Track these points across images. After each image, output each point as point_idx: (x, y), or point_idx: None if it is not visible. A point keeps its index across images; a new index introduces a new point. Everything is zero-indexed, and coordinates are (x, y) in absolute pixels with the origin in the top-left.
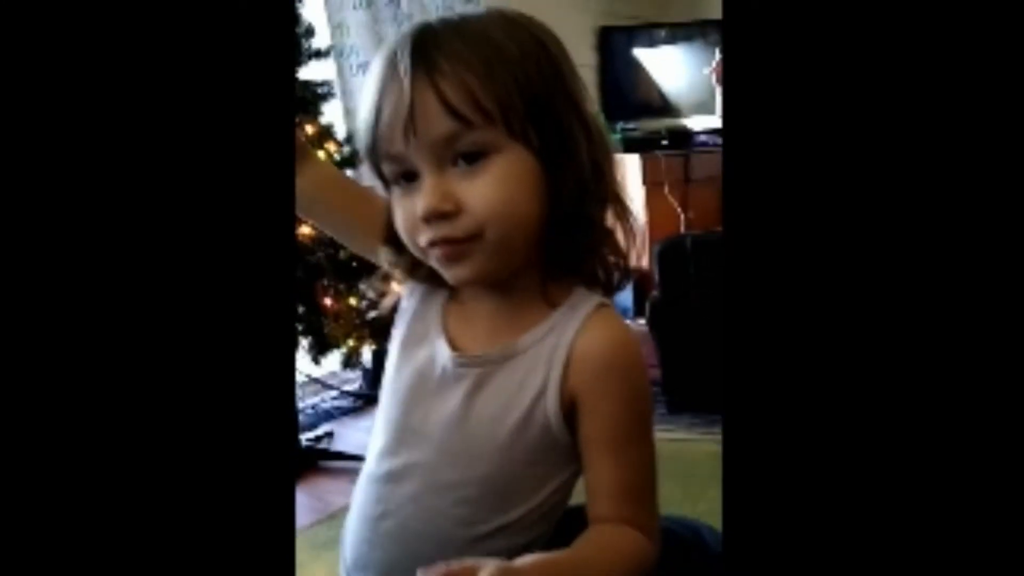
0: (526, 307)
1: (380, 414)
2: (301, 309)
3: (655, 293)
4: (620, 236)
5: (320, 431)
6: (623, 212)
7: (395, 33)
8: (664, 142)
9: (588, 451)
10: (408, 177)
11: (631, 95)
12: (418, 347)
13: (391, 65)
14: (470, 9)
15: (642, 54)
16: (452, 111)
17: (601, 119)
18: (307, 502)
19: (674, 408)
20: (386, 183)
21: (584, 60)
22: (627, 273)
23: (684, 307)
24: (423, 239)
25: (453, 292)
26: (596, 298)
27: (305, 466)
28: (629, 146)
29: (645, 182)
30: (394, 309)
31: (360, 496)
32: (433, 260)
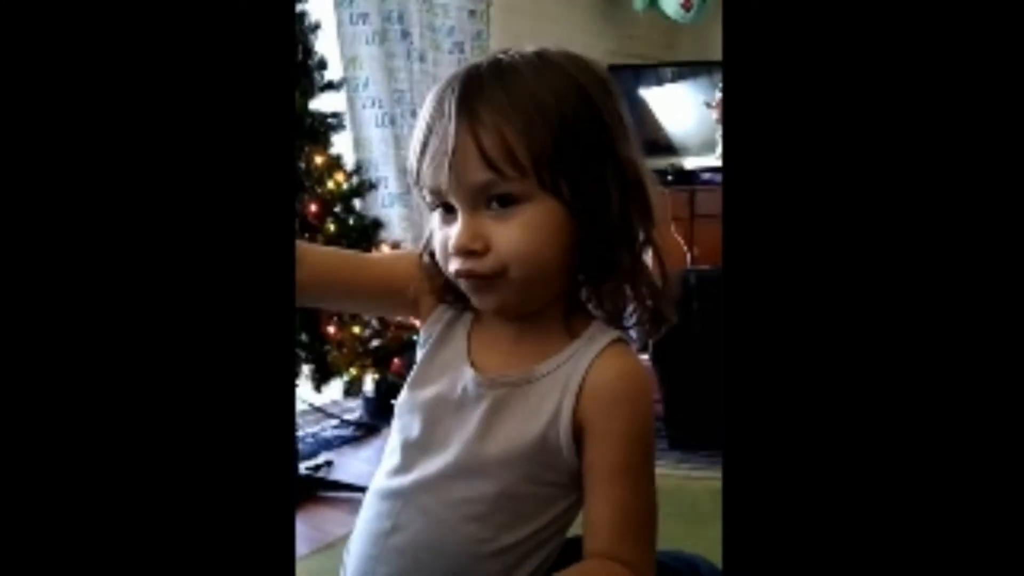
0: (548, 335)
1: (395, 434)
2: (304, 337)
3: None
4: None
5: (320, 460)
6: (661, 262)
7: (406, 67)
8: (669, 178)
9: (588, 480)
10: (447, 208)
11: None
12: (442, 370)
13: (439, 106)
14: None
15: (648, 93)
16: (488, 162)
17: (642, 162)
18: (305, 532)
19: (676, 443)
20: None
21: None
22: (659, 316)
23: (688, 342)
24: (452, 268)
25: (478, 316)
26: (614, 332)
27: (304, 495)
28: None
29: None
30: (397, 339)
31: (367, 513)
32: (462, 286)
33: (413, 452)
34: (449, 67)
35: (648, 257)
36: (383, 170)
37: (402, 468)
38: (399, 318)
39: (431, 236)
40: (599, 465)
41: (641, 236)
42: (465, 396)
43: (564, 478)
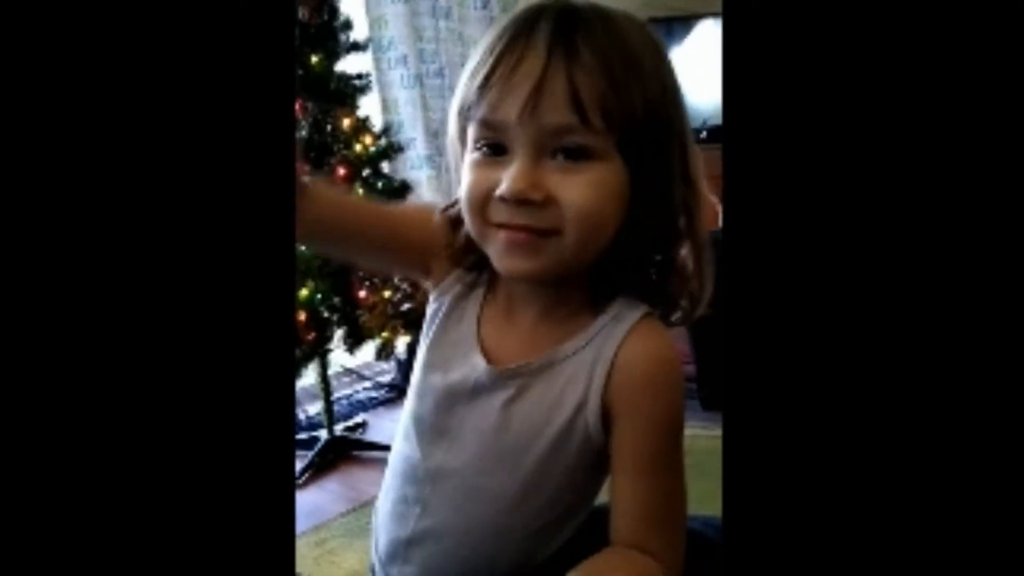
0: (570, 311)
1: (409, 411)
2: (336, 301)
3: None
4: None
5: (354, 421)
6: (699, 251)
7: (432, 26)
8: (703, 135)
9: (616, 465)
10: (495, 149)
11: None
12: (452, 351)
13: (525, 31)
14: None
15: (682, 46)
16: (578, 105)
17: (692, 137)
18: (341, 491)
19: (708, 405)
20: (464, 143)
21: None
22: (693, 308)
23: (719, 301)
24: (496, 216)
25: (491, 289)
26: (642, 307)
27: (340, 456)
28: None
29: None
30: (426, 302)
31: (393, 493)
32: (494, 244)
33: (429, 439)
34: (476, 24)
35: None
36: (411, 132)
37: (422, 455)
38: (410, 276)
39: (460, 186)
40: (628, 451)
41: (682, 221)
42: (479, 386)
43: (591, 459)
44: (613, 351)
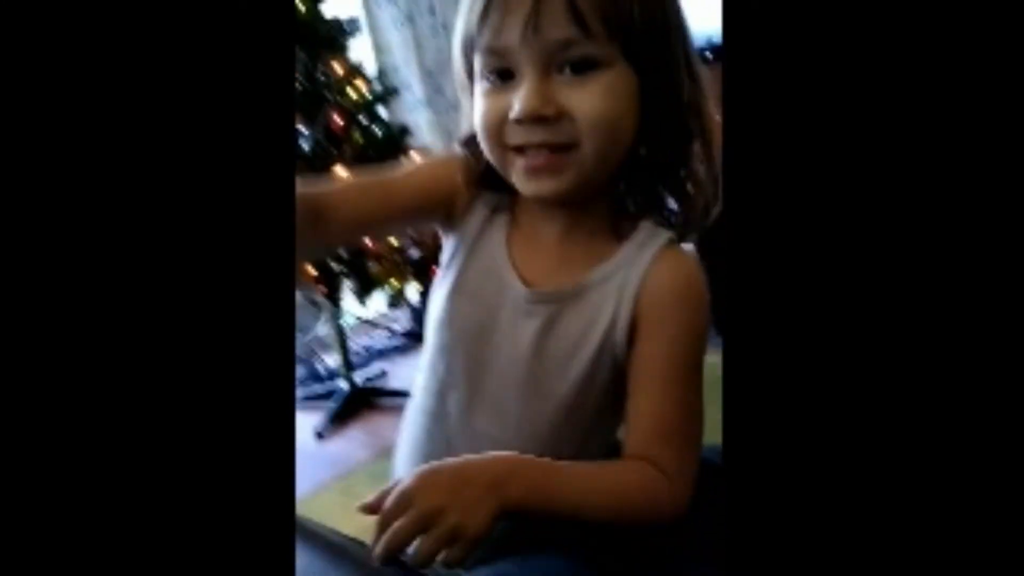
0: (594, 239)
1: (437, 345)
2: (343, 252)
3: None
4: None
5: (373, 370)
6: (710, 156)
7: None
8: (708, 54)
9: (633, 378)
10: (503, 75)
11: None
12: (483, 279)
13: None
14: None
15: None
16: (577, 16)
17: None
18: (364, 438)
19: (722, 328)
20: (471, 76)
21: None
22: (707, 214)
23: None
24: (513, 139)
25: (515, 217)
26: (666, 233)
27: (361, 405)
28: None
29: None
30: (435, 247)
31: (416, 431)
32: (515, 169)
33: (460, 371)
34: None
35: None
36: (405, 74)
37: (451, 387)
38: (434, 226)
39: (472, 118)
40: (647, 365)
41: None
42: (516, 312)
43: (621, 385)
44: (641, 274)
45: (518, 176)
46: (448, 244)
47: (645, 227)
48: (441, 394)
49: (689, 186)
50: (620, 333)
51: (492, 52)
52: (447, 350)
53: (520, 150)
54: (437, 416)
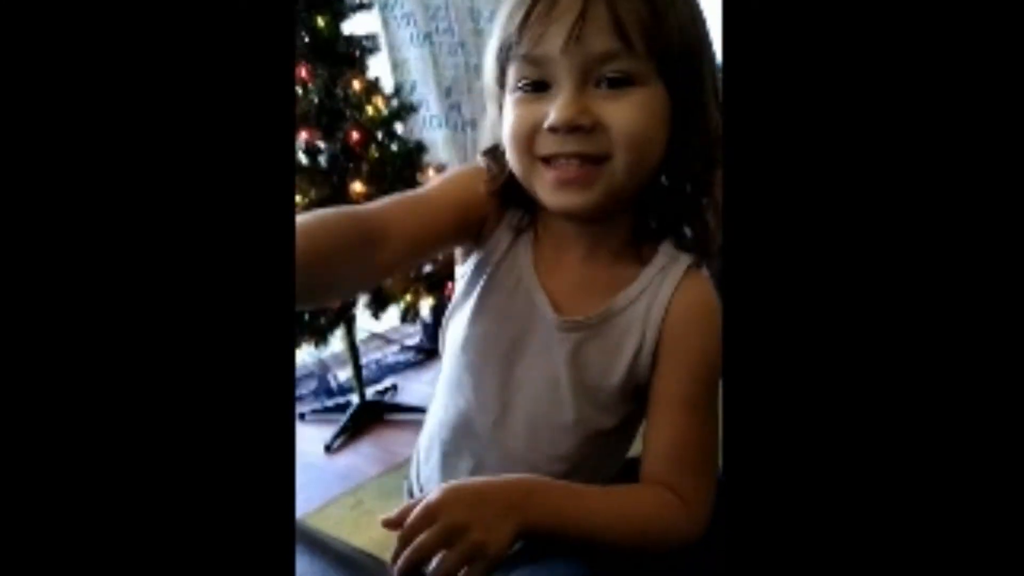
0: (616, 262)
1: (461, 364)
2: None
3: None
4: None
5: (384, 385)
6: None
7: None
8: None
9: (653, 405)
10: (539, 86)
11: None
12: (511, 300)
13: None
14: None
15: None
16: (621, 30)
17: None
18: (375, 453)
19: None
20: (503, 85)
21: None
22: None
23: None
24: (545, 149)
25: (538, 242)
26: (687, 257)
27: (371, 419)
28: None
29: None
30: (448, 262)
31: (444, 445)
32: (543, 181)
33: (490, 391)
34: None
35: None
36: (422, 91)
37: (480, 406)
38: (466, 245)
39: (501, 129)
40: (666, 391)
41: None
42: (546, 336)
43: (645, 403)
44: (665, 301)
45: (545, 189)
46: (470, 262)
47: (665, 251)
48: (468, 413)
49: (709, 215)
50: (645, 359)
51: (531, 61)
52: (475, 370)
53: (548, 162)
54: (465, 434)
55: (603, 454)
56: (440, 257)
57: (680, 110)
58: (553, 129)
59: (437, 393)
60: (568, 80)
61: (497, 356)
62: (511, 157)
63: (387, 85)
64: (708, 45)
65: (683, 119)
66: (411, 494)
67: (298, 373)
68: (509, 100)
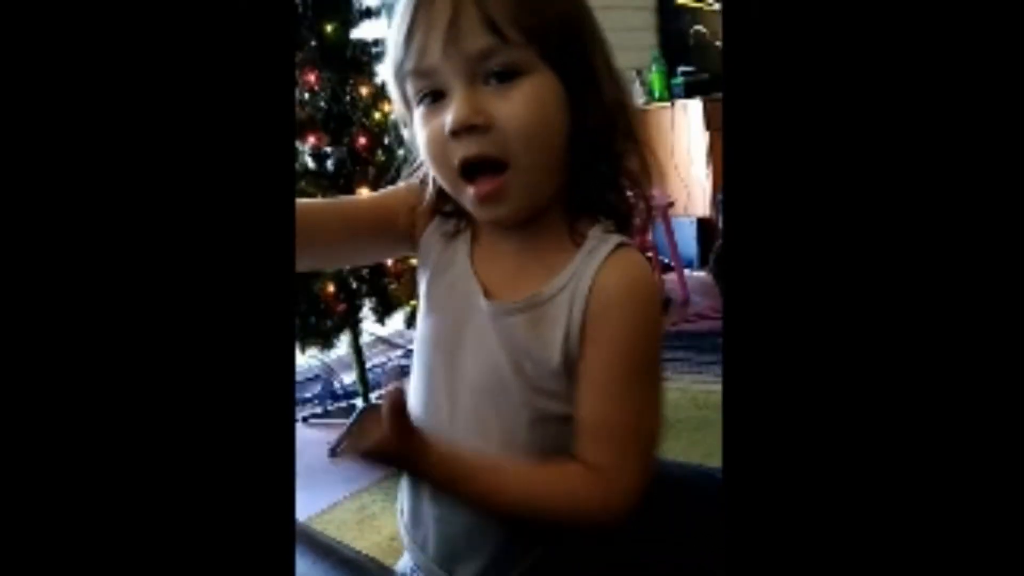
0: (550, 251)
1: (419, 365)
2: (365, 272)
3: (719, 242)
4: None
5: (389, 388)
6: (643, 151)
7: None
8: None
9: (577, 383)
10: (435, 96)
11: (692, 35)
12: (449, 294)
13: None
14: None
15: None
16: (492, 26)
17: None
18: None
19: None
20: (409, 106)
21: (643, 2)
22: (649, 211)
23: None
24: (455, 156)
25: (475, 239)
26: (616, 238)
27: None
28: (690, 90)
29: (708, 127)
30: None
31: None
32: (466, 197)
33: (440, 387)
34: None
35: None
36: None
37: (434, 403)
38: (404, 252)
39: (422, 147)
40: (588, 369)
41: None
42: (480, 324)
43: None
44: (589, 283)
45: (469, 204)
46: (419, 268)
47: (594, 234)
48: (425, 413)
49: (624, 182)
50: (574, 339)
51: (420, 74)
52: (427, 369)
53: (470, 179)
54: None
55: (562, 444)
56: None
57: (575, 91)
58: (454, 133)
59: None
60: (457, 83)
61: (442, 352)
62: (435, 173)
63: None
64: (589, 18)
65: (580, 98)
66: (401, 502)
67: (303, 376)
68: (417, 118)
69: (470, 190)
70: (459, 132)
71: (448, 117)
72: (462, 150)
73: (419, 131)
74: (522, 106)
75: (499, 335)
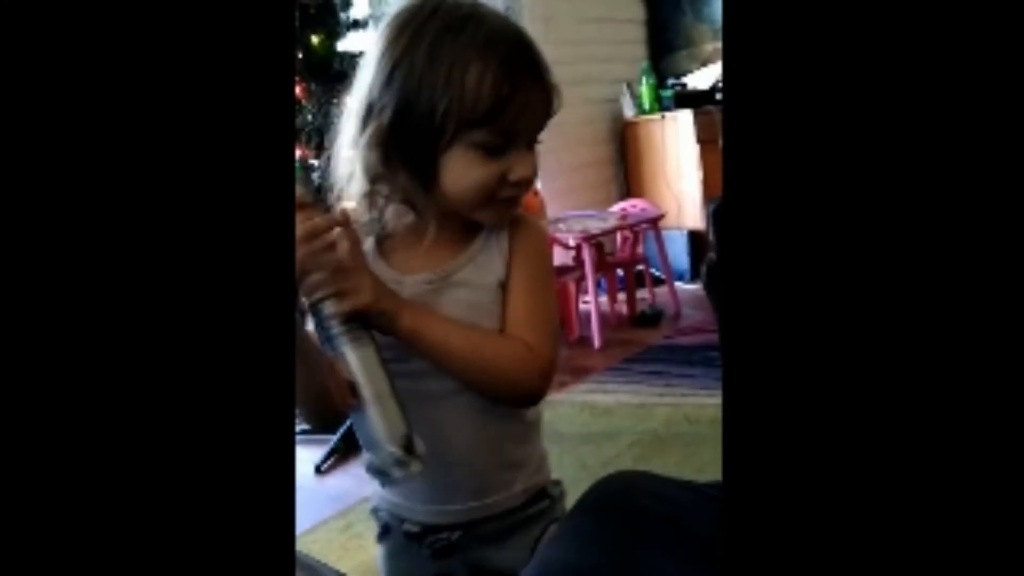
0: (455, 240)
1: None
2: None
3: (711, 255)
4: None
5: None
6: None
7: None
8: (719, 95)
9: (507, 294)
10: (497, 149)
11: (681, 48)
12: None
13: (512, 56)
14: None
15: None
16: (550, 108)
17: None
18: (365, 475)
19: None
20: (440, 144)
21: (633, 15)
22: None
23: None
24: (505, 192)
25: (380, 241)
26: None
27: None
28: (680, 101)
29: (698, 139)
30: None
31: None
32: (493, 210)
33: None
34: None
35: None
36: None
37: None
38: None
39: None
40: (515, 280)
41: None
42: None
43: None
44: (508, 233)
45: (494, 214)
46: None
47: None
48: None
49: None
50: (502, 266)
51: (503, 132)
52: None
53: (509, 204)
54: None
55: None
56: None
57: None
58: (519, 183)
59: None
60: (523, 145)
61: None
62: (468, 196)
63: None
64: None
65: None
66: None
67: None
68: (459, 155)
69: (500, 206)
70: (524, 183)
71: (519, 170)
72: (516, 191)
73: (465, 167)
74: (537, 163)
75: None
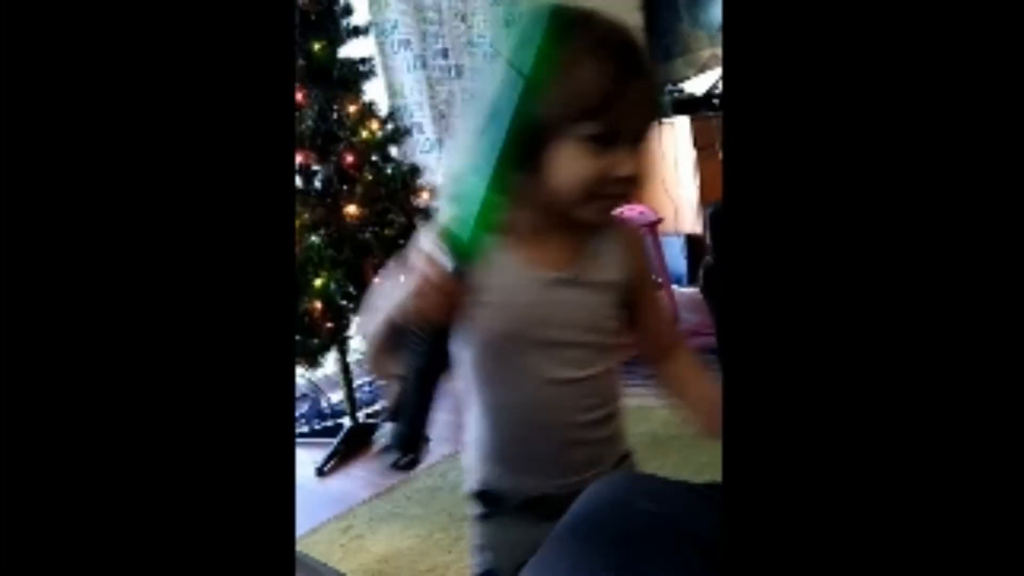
0: (576, 238)
1: (496, 370)
2: (352, 289)
3: (708, 259)
4: None
5: (377, 407)
6: None
7: (434, 5)
8: (716, 101)
9: (640, 297)
10: (606, 140)
11: (679, 54)
12: (499, 279)
13: (623, 53)
14: None
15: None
16: (656, 109)
17: None
18: (366, 477)
19: None
20: (548, 136)
21: (630, 22)
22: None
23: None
24: (611, 189)
25: (509, 239)
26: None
27: (364, 442)
28: (678, 108)
29: (696, 145)
30: None
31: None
32: (593, 205)
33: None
34: (479, 1)
35: None
36: (418, 116)
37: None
38: None
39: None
40: (642, 283)
41: None
42: (546, 286)
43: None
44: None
45: (599, 208)
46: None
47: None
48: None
49: None
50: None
51: (614, 126)
52: (511, 366)
53: (614, 200)
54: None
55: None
56: None
57: None
58: (624, 179)
59: (474, 392)
60: (629, 141)
61: (521, 320)
62: (569, 190)
63: (382, 108)
64: None
65: None
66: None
67: None
68: (566, 148)
69: (607, 201)
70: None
71: (624, 167)
72: (622, 188)
73: (574, 159)
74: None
75: (573, 293)
